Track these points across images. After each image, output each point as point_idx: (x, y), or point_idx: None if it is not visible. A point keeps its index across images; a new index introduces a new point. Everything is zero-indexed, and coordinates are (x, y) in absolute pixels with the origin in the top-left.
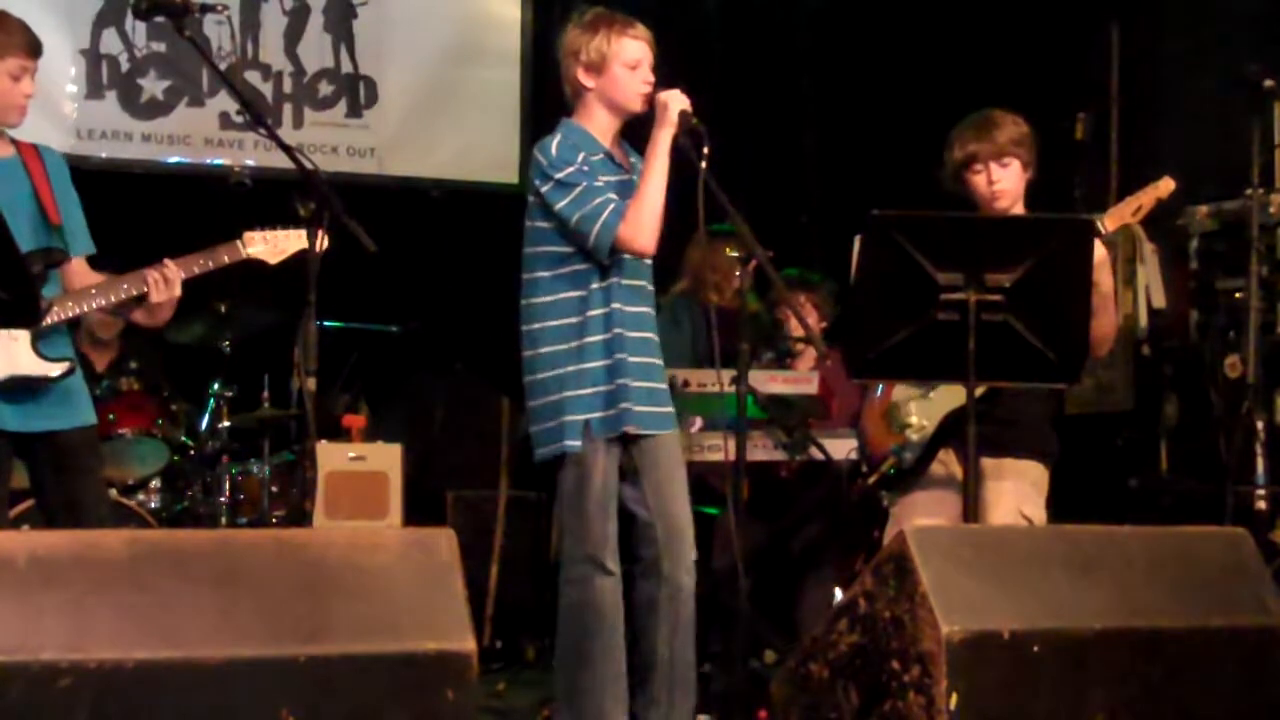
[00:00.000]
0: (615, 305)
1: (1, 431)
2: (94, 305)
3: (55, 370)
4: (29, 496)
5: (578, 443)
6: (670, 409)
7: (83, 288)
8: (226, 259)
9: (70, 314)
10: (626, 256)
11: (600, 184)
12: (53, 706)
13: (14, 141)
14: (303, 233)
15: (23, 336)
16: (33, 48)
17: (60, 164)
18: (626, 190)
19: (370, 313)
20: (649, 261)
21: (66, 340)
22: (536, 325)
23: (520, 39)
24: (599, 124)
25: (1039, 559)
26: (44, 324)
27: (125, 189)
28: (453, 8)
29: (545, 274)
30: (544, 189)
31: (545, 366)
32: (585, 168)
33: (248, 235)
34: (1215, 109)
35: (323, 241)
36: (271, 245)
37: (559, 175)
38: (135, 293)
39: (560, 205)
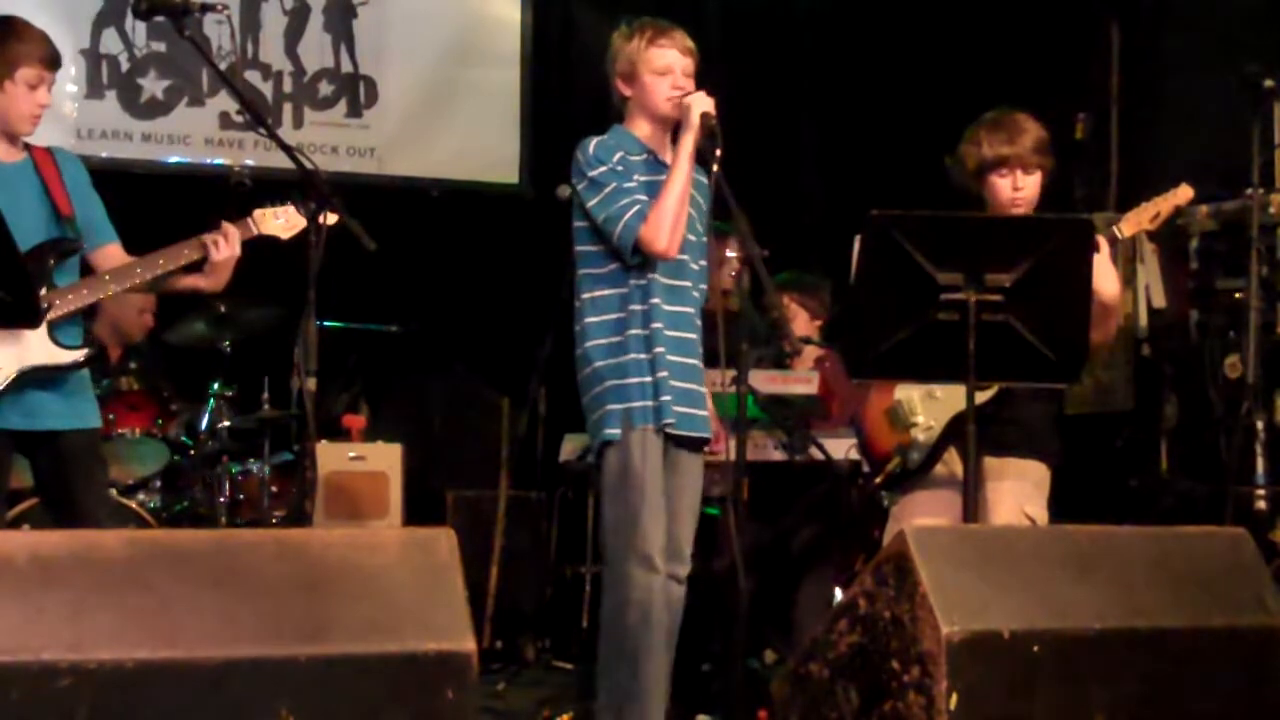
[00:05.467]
0: (654, 302)
1: (4, 430)
2: (138, 280)
3: (68, 358)
4: (29, 496)
5: (617, 430)
6: (705, 413)
7: (123, 264)
8: (240, 237)
9: (109, 291)
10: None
11: (633, 184)
12: (53, 706)
13: (27, 146)
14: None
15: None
16: (50, 60)
17: (75, 163)
18: None
19: (370, 313)
20: (695, 266)
21: (81, 331)
22: (582, 322)
23: (520, 39)
24: (642, 129)
25: (1039, 559)
26: (83, 303)
27: (125, 189)
28: (453, 8)
29: (587, 271)
30: (579, 186)
31: (589, 361)
32: (620, 168)
33: (258, 213)
34: (1215, 109)
35: (326, 219)
36: (284, 221)
37: (592, 174)
38: (186, 260)
39: (591, 204)
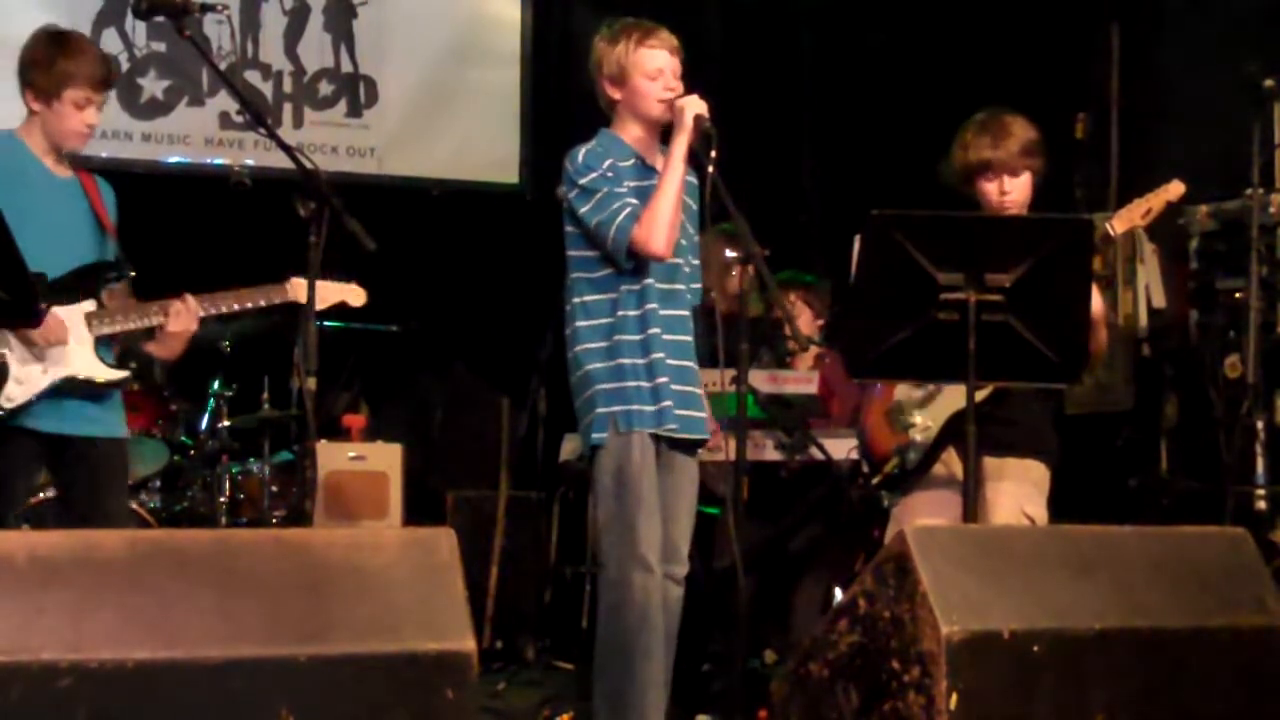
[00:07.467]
0: (650, 306)
1: (36, 432)
2: (119, 328)
3: (111, 376)
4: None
5: (605, 434)
6: (703, 414)
7: (113, 307)
8: (275, 299)
9: (107, 330)
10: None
11: (623, 190)
12: (53, 706)
13: (72, 165)
14: (348, 286)
15: (86, 340)
16: (100, 81)
17: (111, 194)
18: None
19: (370, 313)
20: (688, 268)
21: (112, 351)
22: (573, 326)
23: (520, 39)
24: (631, 133)
25: (1039, 559)
26: (129, 328)
27: (125, 189)
28: (453, 8)
29: (579, 276)
30: (570, 195)
31: (581, 365)
32: (610, 174)
33: (295, 281)
34: (1215, 109)
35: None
36: (319, 293)
37: (582, 181)
38: (153, 322)
39: (582, 211)
